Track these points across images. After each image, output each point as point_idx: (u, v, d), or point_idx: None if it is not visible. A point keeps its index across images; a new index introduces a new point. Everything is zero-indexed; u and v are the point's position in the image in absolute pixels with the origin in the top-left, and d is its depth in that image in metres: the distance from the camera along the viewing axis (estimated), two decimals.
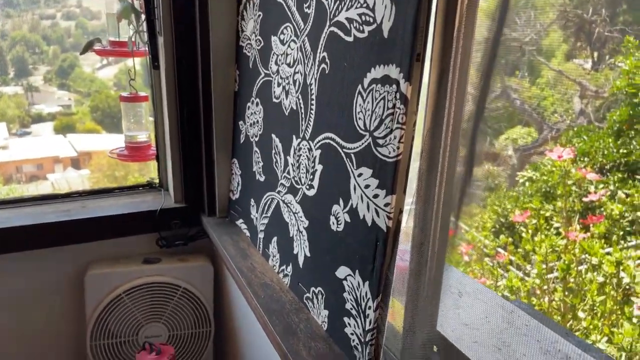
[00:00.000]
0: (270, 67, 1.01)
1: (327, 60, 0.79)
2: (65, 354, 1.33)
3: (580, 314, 2.59)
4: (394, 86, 0.63)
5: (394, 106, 0.64)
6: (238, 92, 1.20)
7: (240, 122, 1.19)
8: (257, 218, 1.12)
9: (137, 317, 1.26)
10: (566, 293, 2.65)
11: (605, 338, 2.38)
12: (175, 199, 1.35)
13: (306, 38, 0.85)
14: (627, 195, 3.28)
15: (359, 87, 0.71)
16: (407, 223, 0.69)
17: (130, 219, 1.27)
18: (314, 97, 0.84)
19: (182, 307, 1.29)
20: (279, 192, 1.00)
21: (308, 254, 0.88)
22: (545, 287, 2.74)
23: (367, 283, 0.71)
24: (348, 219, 0.75)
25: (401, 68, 0.62)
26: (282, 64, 0.95)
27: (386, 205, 0.66)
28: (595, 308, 2.54)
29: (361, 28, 0.70)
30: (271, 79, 1.01)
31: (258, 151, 1.10)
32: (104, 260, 1.27)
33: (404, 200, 0.66)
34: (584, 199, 3.35)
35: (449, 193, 0.66)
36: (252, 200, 1.14)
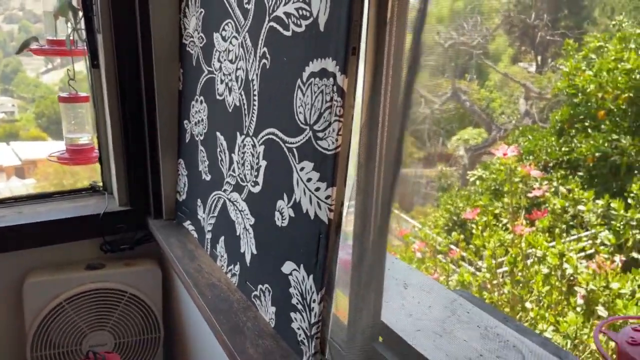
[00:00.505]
0: (213, 64, 1.00)
1: (267, 55, 0.79)
2: None
3: (528, 305, 2.69)
4: (331, 79, 0.64)
5: (331, 99, 0.64)
6: (182, 90, 1.18)
7: (185, 121, 1.17)
8: (204, 218, 1.10)
9: (80, 326, 1.21)
10: (514, 285, 2.75)
11: (552, 327, 2.49)
12: (120, 202, 1.31)
13: (247, 34, 0.85)
14: (569, 191, 3.43)
15: (299, 81, 0.71)
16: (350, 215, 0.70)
17: (71, 223, 1.22)
18: (256, 92, 0.84)
19: (129, 314, 1.25)
20: (225, 191, 0.99)
21: (255, 252, 0.88)
22: (495, 281, 2.83)
23: (311, 276, 0.71)
24: (292, 214, 0.75)
25: (337, 61, 0.63)
26: (225, 60, 0.94)
27: (327, 197, 0.67)
28: (541, 299, 2.65)
29: (299, 22, 0.70)
30: (214, 76, 1.00)
31: (203, 150, 1.08)
32: (44, 268, 1.21)
33: (344, 192, 0.67)
34: (529, 195, 3.49)
35: (387, 184, 0.67)
36: (198, 200, 1.12)
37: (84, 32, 1.24)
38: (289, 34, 0.73)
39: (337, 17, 0.62)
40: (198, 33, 1.06)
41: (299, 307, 0.75)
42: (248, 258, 0.90)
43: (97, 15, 1.16)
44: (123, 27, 1.16)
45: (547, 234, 3.00)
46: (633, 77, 4.44)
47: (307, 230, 0.72)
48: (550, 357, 0.73)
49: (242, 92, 0.88)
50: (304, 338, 0.74)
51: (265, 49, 0.79)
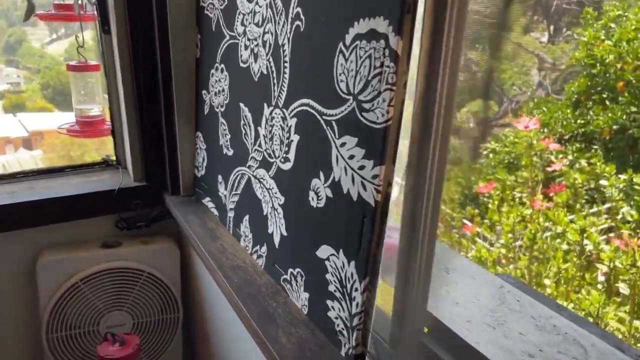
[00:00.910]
0: (236, 29, 0.91)
1: (302, 16, 0.71)
2: (19, 348, 1.22)
3: (546, 282, 2.64)
4: (382, 42, 0.56)
5: (382, 65, 0.56)
6: (200, 58, 1.10)
7: (204, 92, 1.09)
8: (225, 196, 1.03)
9: (97, 306, 1.16)
10: (532, 261, 2.69)
11: (571, 304, 2.43)
12: (135, 178, 1.24)
13: None
14: (590, 164, 3.33)
15: (340, 44, 0.63)
16: (396, 196, 0.63)
17: (85, 200, 1.16)
18: (287, 59, 0.76)
19: (147, 293, 1.20)
20: (249, 167, 0.92)
21: (284, 233, 0.81)
22: (512, 255, 2.77)
23: (352, 263, 0.65)
24: (330, 194, 0.68)
25: (390, 20, 0.55)
26: (250, 24, 0.86)
27: (374, 177, 0.59)
28: (560, 275, 2.59)
29: None
30: (237, 41, 0.91)
31: (225, 123, 1.00)
32: (58, 246, 1.16)
33: (393, 171, 0.60)
34: (547, 169, 3.38)
35: (441, 161, 0.60)
36: (219, 176, 1.05)
37: None
38: None
39: None
40: None
41: (337, 295, 0.69)
42: (277, 239, 0.84)
43: None
44: None
45: (565, 209, 2.92)
46: None
47: (348, 212, 0.65)
48: (613, 350, 0.67)
49: (271, 59, 0.80)
50: (342, 328, 0.68)
51: (299, 9, 0.71)
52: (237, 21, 0.90)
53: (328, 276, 0.70)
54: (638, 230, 2.82)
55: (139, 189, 1.22)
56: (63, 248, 1.15)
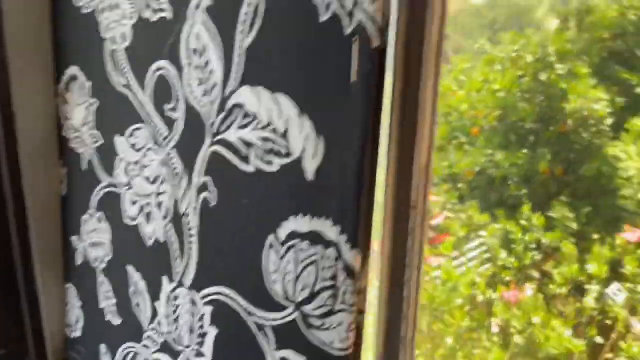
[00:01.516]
0: (117, 175, 0.73)
1: (211, 188, 0.56)
2: None
3: (448, 340, 2.66)
4: (333, 251, 0.44)
5: (334, 277, 0.44)
6: (68, 198, 0.88)
7: (74, 238, 0.87)
8: None
9: None
10: (432, 319, 2.71)
11: None
12: None
13: (175, 151, 0.61)
14: (468, 216, 3.54)
15: (271, 237, 0.50)
16: None
17: None
18: (193, 232, 0.60)
19: None
20: (145, 347, 0.72)
21: None
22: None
23: None
24: None
25: (342, 227, 0.43)
26: (137, 176, 0.69)
27: None
28: (459, 331, 2.63)
29: (267, 159, 0.49)
30: (119, 191, 0.73)
31: (107, 283, 0.80)
32: None
33: None
34: (432, 222, 3.51)
35: None
36: (103, 346, 0.83)
37: None
38: (249, 169, 0.51)
39: (339, 167, 0.42)
40: (89, 129, 0.78)
41: None
42: None
43: None
44: None
45: (452, 260, 3.04)
46: (500, 96, 4.82)
47: None
48: None
49: (170, 226, 0.64)
50: None
51: (207, 179, 0.56)
52: (119, 167, 0.72)
53: None
54: (519, 276, 3.03)
55: None
56: None
